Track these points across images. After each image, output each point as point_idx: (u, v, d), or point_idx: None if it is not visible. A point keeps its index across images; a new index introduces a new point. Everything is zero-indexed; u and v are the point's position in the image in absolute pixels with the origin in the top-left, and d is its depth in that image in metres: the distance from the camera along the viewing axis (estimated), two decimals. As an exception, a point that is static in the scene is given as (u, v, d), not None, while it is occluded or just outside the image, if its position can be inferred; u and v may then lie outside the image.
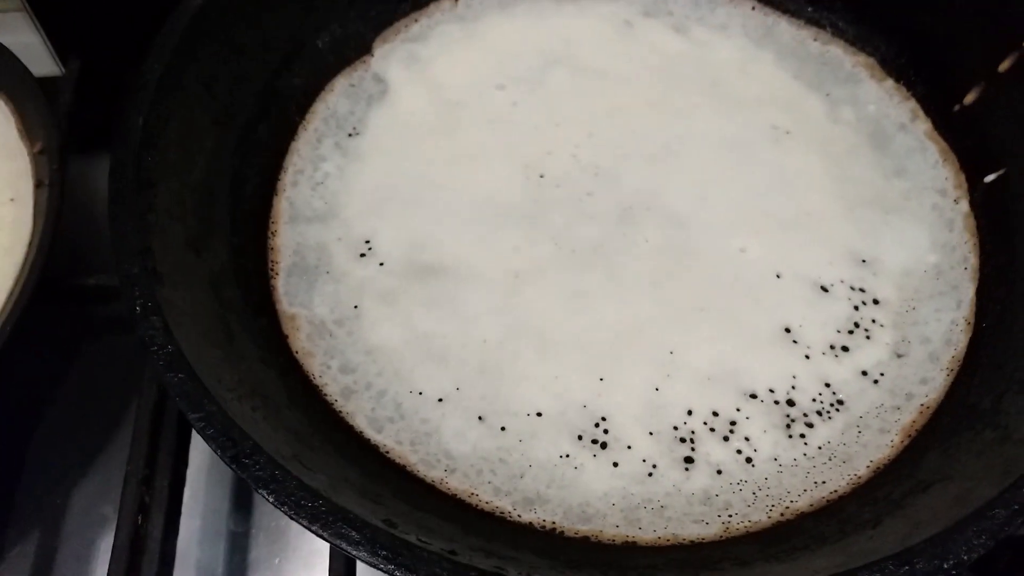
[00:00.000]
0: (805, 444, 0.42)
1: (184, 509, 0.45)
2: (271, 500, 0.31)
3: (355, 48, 0.57)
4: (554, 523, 0.40)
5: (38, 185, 0.51)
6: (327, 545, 0.43)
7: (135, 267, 0.37)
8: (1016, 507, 0.32)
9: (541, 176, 0.51)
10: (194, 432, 0.44)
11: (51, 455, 0.50)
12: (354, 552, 0.30)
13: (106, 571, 0.44)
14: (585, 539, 0.39)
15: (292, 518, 0.31)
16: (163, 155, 0.43)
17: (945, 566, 0.30)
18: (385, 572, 0.30)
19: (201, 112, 0.46)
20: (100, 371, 0.52)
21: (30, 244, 0.48)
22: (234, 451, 0.32)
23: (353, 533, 0.30)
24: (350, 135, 0.54)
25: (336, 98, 0.55)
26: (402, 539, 0.30)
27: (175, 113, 0.45)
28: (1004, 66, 0.50)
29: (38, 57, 0.62)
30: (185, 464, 0.45)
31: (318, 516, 0.31)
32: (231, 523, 0.48)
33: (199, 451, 0.48)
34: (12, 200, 0.52)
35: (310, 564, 0.46)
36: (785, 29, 0.58)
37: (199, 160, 0.46)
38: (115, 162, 0.41)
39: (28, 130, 0.53)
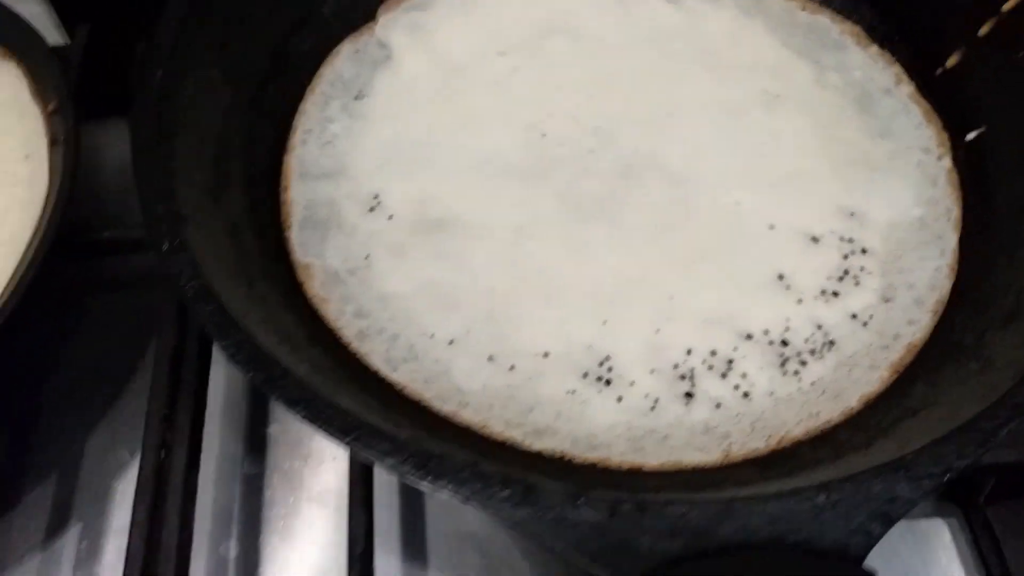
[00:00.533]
0: (799, 380, 0.44)
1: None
2: (302, 415, 0.33)
3: (360, 15, 0.58)
4: (563, 452, 0.42)
5: (53, 143, 0.52)
6: (339, 483, 0.45)
7: (161, 207, 0.39)
8: (1000, 420, 0.34)
9: (543, 136, 0.53)
10: (211, 376, 0.46)
11: (67, 403, 0.51)
12: (385, 460, 0.32)
13: (123, 512, 0.46)
14: (593, 465, 0.41)
15: (323, 431, 0.33)
16: (180, 109, 0.45)
17: (936, 471, 0.32)
18: (412, 480, 0.32)
19: (215, 71, 0.48)
20: (113, 322, 0.54)
21: (47, 198, 0.49)
22: (265, 374, 0.34)
23: (384, 444, 0.32)
24: (356, 98, 0.56)
25: (342, 62, 0.57)
26: (429, 450, 0.32)
27: (190, 71, 0.46)
28: (984, 30, 0.52)
29: (43, 27, 0.64)
30: (204, 404, 0.46)
31: (349, 429, 0.32)
32: (245, 466, 0.49)
33: (212, 398, 0.49)
34: (27, 157, 0.53)
35: (323, 502, 0.48)
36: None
37: (214, 116, 0.47)
38: (136, 111, 0.42)
39: (41, 91, 0.55)
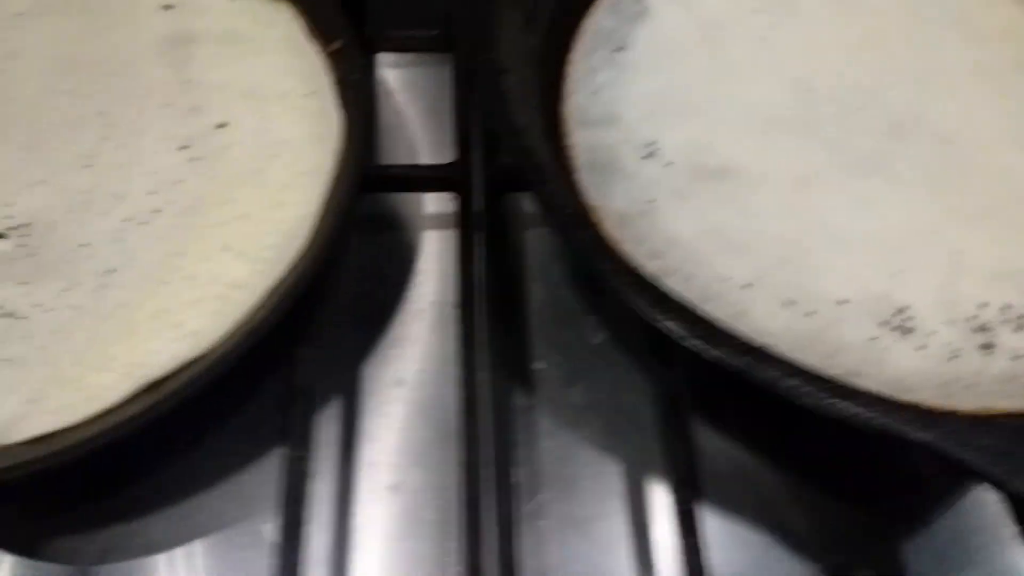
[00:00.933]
0: (1097, 336, 0.45)
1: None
2: (698, 338, 0.34)
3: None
4: (878, 392, 0.43)
5: (340, 81, 0.54)
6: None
7: (526, 141, 0.40)
8: None
9: (810, 91, 0.55)
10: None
11: (340, 332, 0.53)
12: (784, 383, 0.33)
13: (401, 436, 0.51)
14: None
15: (718, 354, 0.34)
16: (498, 51, 0.47)
17: None
18: (813, 403, 0.33)
19: (519, 15, 0.50)
20: (371, 258, 0.56)
21: (347, 133, 0.51)
22: (649, 296, 0.35)
23: (785, 366, 0.34)
24: (617, 50, 0.57)
25: (602, 15, 0.59)
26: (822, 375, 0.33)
27: (503, 13, 0.48)
28: None
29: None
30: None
31: (746, 351, 0.34)
32: (518, 398, 0.51)
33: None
34: (312, 94, 0.55)
35: (592, 433, 0.50)
36: (1023, -32, 0.60)
37: (517, 60, 0.49)
38: (477, 50, 0.44)
39: (317, 31, 0.57)
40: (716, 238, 0.49)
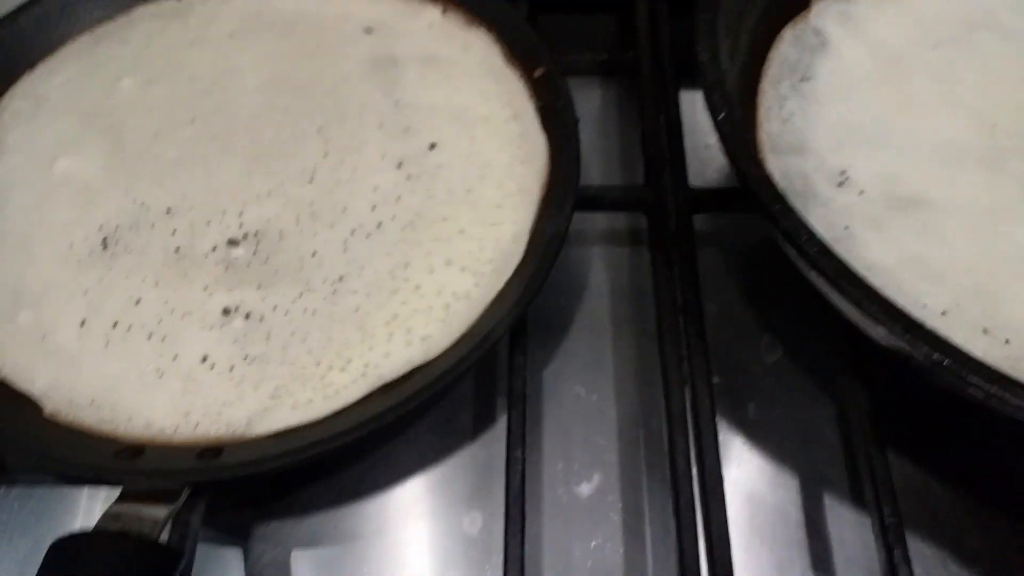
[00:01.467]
0: None
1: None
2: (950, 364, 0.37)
3: (795, 3, 0.62)
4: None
5: (544, 107, 0.57)
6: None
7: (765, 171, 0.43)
8: None
9: (994, 126, 0.57)
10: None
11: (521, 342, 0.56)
12: (968, 376, 0.37)
13: (584, 441, 0.55)
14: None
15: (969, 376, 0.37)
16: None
17: None
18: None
19: (727, 48, 0.53)
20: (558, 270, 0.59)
21: (554, 158, 0.55)
22: (903, 323, 0.38)
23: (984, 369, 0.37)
24: (802, 80, 0.60)
25: (786, 46, 0.61)
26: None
27: (722, 40, 0.51)
28: None
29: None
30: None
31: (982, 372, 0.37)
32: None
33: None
34: (515, 118, 0.58)
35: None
36: None
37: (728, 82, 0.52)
38: (708, 86, 0.47)
39: (518, 57, 0.60)
40: (913, 266, 0.51)
